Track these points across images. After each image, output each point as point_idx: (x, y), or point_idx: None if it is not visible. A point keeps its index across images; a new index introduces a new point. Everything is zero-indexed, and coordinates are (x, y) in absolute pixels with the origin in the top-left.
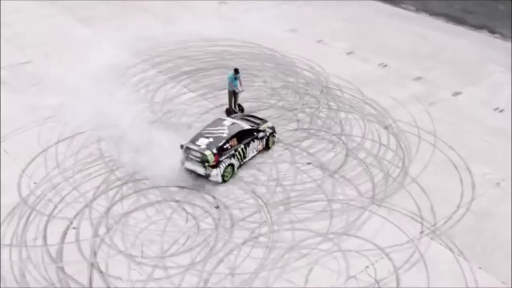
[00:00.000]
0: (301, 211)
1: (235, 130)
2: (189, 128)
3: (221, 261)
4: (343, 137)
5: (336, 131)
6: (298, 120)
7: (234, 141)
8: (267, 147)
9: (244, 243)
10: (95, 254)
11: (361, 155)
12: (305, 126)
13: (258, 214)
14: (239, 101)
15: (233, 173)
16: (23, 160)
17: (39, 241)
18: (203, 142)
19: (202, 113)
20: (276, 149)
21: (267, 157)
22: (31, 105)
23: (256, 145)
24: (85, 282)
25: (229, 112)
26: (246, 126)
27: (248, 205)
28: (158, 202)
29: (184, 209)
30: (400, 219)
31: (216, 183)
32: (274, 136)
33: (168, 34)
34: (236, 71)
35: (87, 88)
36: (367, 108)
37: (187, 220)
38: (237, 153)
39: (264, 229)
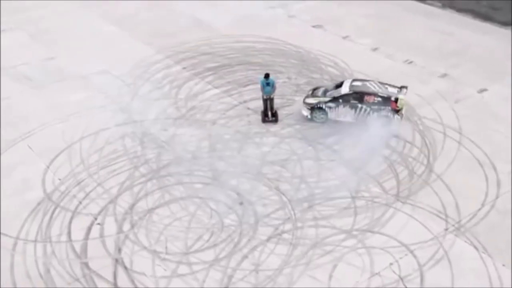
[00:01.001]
0: (325, 208)
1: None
2: (213, 124)
3: (245, 257)
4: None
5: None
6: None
7: None
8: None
9: (268, 239)
10: (119, 250)
11: (386, 152)
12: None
13: (282, 210)
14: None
15: None
16: (47, 156)
17: (64, 237)
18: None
19: (226, 109)
20: (300, 146)
21: (291, 154)
22: (55, 101)
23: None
24: (110, 277)
25: (266, 115)
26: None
27: (272, 202)
28: (182, 198)
29: (208, 205)
30: (425, 216)
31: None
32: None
33: (193, 29)
34: (267, 76)
35: (111, 84)
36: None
37: (211, 216)
38: None
39: (288, 226)
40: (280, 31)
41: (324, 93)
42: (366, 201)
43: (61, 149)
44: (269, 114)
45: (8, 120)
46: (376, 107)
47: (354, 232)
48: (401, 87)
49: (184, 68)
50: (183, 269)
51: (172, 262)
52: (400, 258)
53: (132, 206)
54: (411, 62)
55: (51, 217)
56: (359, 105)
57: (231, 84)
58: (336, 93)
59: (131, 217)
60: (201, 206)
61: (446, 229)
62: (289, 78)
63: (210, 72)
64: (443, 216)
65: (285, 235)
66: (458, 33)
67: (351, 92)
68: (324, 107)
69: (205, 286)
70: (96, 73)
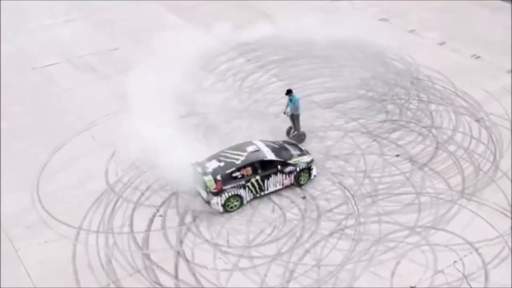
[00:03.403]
0: (389, 203)
1: (253, 158)
2: (276, 118)
3: (307, 252)
4: (433, 130)
5: (426, 123)
6: (387, 112)
7: (247, 171)
8: (297, 183)
9: (330, 234)
10: (181, 242)
11: (452, 148)
12: (395, 118)
13: (345, 205)
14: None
15: (241, 205)
16: (110, 147)
17: (126, 228)
18: (212, 165)
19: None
20: (364, 141)
21: (355, 148)
22: (119, 91)
23: (280, 179)
24: (171, 270)
25: (288, 132)
26: (270, 156)
27: (335, 197)
28: None
29: (271, 199)
30: (490, 213)
31: None
32: (309, 172)
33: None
34: (288, 92)
35: (175, 75)
36: (458, 100)
37: (273, 210)
38: (249, 184)
39: (351, 221)
40: (344, 23)
41: None
42: (430, 198)
43: (123, 139)
44: (291, 132)
45: (72, 110)
46: None
47: (418, 229)
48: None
49: (248, 60)
50: (244, 262)
51: (233, 255)
52: (465, 256)
53: (194, 199)
54: (478, 57)
55: (113, 208)
56: None
57: (295, 77)
58: None
59: (193, 210)
60: (263, 199)
61: None
62: (354, 71)
63: (273, 65)
64: (509, 214)
65: (348, 231)
66: None
67: None
68: None
69: (266, 280)
70: (159, 63)
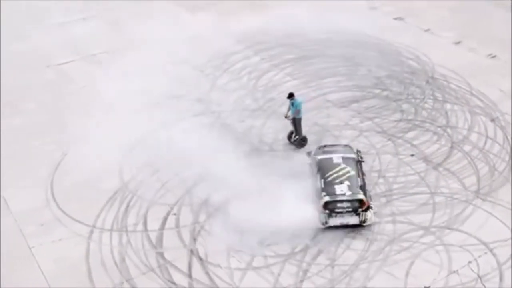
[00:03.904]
0: (403, 203)
1: (353, 163)
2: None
3: (321, 251)
4: (448, 129)
5: (441, 123)
6: (402, 111)
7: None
8: None
9: (344, 234)
10: (194, 240)
11: (467, 148)
12: (410, 117)
13: None
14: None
15: None
16: (124, 145)
17: (140, 227)
18: (342, 189)
19: (305, 101)
20: (378, 140)
21: (370, 148)
22: (133, 89)
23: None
24: (185, 268)
25: (289, 137)
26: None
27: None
28: (258, 190)
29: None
30: (505, 214)
31: None
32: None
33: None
34: (290, 95)
35: (189, 74)
36: (473, 100)
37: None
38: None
39: None
40: (360, 23)
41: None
42: (445, 197)
43: (138, 138)
44: (292, 136)
45: (87, 107)
46: None
47: (433, 229)
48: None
49: (262, 59)
50: (258, 261)
51: (247, 254)
52: (479, 256)
53: (208, 197)
54: (494, 56)
55: (127, 206)
56: None
57: (310, 76)
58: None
59: (207, 208)
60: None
61: None
62: (369, 70)
63: (288, 64)
64: None
65: (362, 230)
66: None
67: None
68: None
69: (280, 279)
70: (174, 63)
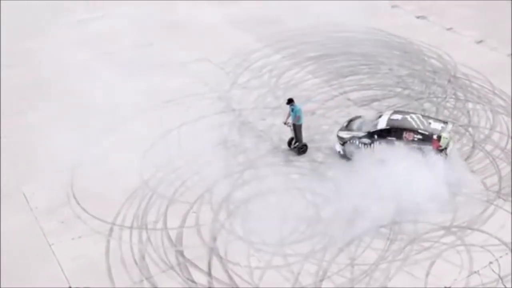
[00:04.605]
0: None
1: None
2: (312, 115)
3: (341, 250)
4: (470, 129)
5: (463, 122)
6: (424, 110)
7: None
8: None
9: (365, 233)
10: (214, 239)
11: (488, 147)
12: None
13: None
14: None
15: None
16: (145, 143)
17: (160, 224)
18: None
19: (326, 99)
20: None
21: None
22: (153, 87)
23: None
24: (204, 267)
25: (289, 143)
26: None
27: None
28: (279, 189)
29: (305, 197)
30: None
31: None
32: None
33: (293, 17)
34: (289, 101)
35: (210, 72)
36: (495, 99)
37: (307, 208)
38: None
39: (386, 220)
40: (382, 21)
41: (360, 126)
42: (466, 197)
43: (158, 136)
44: (292, 143)
45: (107, 105)
46: (415, 145)
47: (453, 229)
48: (446, 122)
49: (283, 57)
50: (277, 260)
51: (267, 253)
52: (500, 257)
53: (228, 195)
54: None
55: (147, 204)
56: (397, 143)
57: (332, 74)
58: (371, 128)
59: (227, 206)
60: (298, 197)
61: None
62: (390, 69)
63: (309, 62)
64: None
65: (383, 230)
66: None
67: (388, 127)
68: (357, 142)
69: (299, 278)
70: (195, 61)
